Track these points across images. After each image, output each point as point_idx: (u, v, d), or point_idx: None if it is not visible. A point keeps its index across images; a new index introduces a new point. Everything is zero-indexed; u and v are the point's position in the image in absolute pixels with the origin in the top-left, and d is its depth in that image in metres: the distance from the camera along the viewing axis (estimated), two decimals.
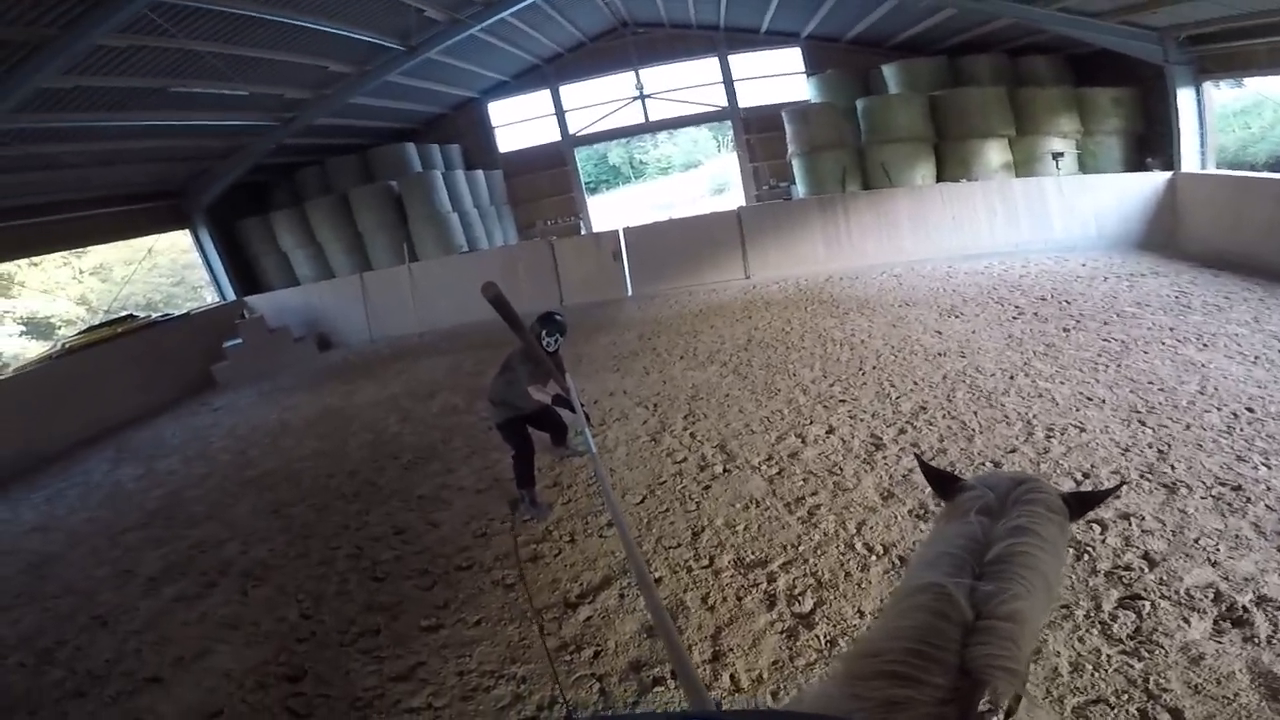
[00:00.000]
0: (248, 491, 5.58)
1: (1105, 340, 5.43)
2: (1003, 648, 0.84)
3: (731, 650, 2.81)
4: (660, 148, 30.38)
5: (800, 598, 3.06)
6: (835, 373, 5.76)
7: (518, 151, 14.49)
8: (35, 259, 13.86)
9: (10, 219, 8.34)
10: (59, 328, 15.58)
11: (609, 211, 20.21)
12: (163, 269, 17.39)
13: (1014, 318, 6.34)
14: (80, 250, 15.10)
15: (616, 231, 10.68)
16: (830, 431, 4.66)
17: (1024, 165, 10.08)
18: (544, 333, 4.14)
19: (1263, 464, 3.40)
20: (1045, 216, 8.99)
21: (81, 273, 17.15)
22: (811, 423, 4.86)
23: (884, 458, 4.17)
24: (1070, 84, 10.15)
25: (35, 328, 15.83)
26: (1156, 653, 2.37)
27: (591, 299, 10.34)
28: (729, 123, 14.63)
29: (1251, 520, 2.99)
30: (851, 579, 3.12)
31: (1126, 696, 2.22)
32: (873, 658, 0.91)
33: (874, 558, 3.24)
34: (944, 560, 0.95)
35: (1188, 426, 3.90)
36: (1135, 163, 9.43)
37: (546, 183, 14.54)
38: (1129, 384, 4.59)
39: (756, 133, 13.80)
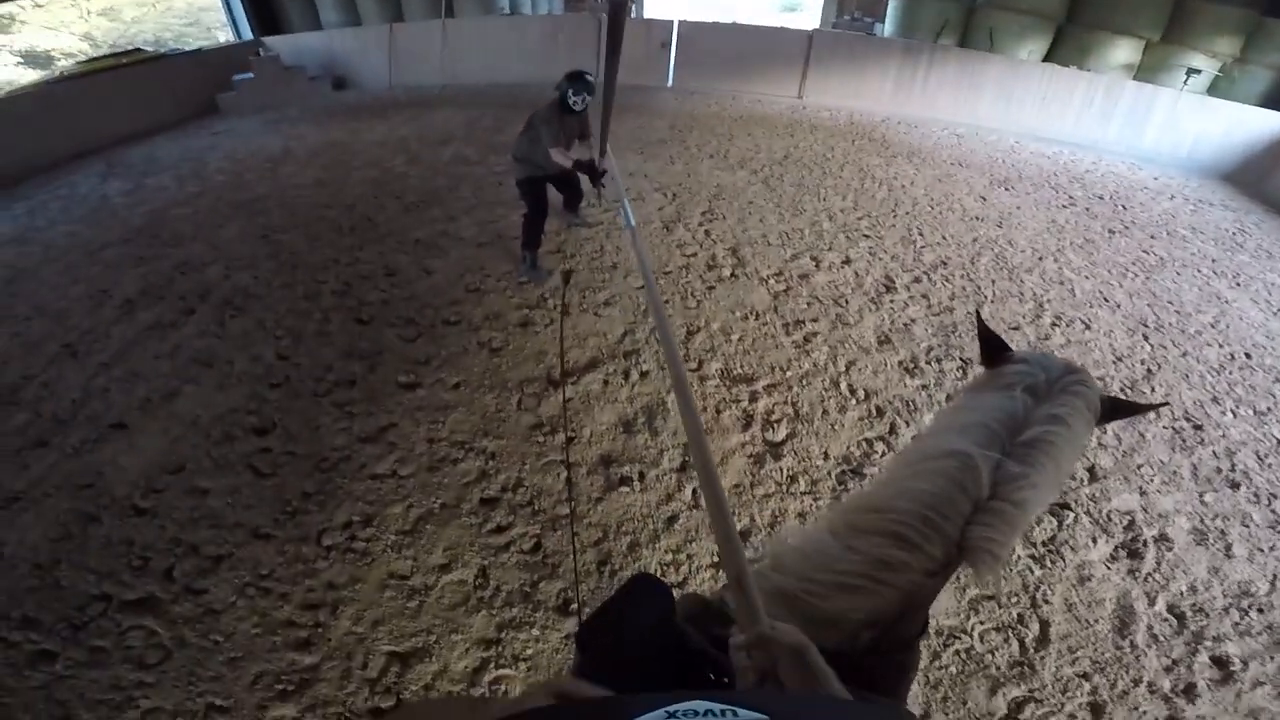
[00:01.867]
0: (239, 214, 5.35)
1: (1145, 252, 5.20)
2: (1002, 533, 0.82)
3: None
4: None
5: (776, 425, 3.09)
6: (866, 207, 5.51)
7: None
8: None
9: None
10: (59, 60, 14.29)
11: (665, 2, 17.99)
12: (177, 10, 15.87)
13: (1064, 206, 6.00)
14: None
15: (671, 22, 9.61)
16: (846, 262, 4.55)
17: (1149, 71, 8.85)
18: (570, 90, 3.81)
19: (1232, 410, 3.43)
20: (1142, 124, 8.13)
21: (89, 12, 15.47)
22: (830, 249, 4.73)
23: (891, 301, 4.12)
24: (1260, 9, 8.62)
25: (34, 59, 14.47)
26: (1057, 565, 2.48)
27: (630, 82, 9.52)
28: None
29: (1194, 461, 3.05)
30: (828, 418, 3.15)
31: (1015, 599, 2.34)
32: (879, 513, 0.88)
33: (854, 401, 3.27)
34: (977, 430, 0.89)
35: (1184, 354, 3.87)
36: (1275, 102, 8.39)
37: None
38: (1149, 297, 4.48)
39: None
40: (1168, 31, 8.80)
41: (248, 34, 10.65)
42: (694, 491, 2.70)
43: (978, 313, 1.25)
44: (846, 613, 0.84)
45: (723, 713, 0.33)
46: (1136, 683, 2.12)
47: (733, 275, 4.34)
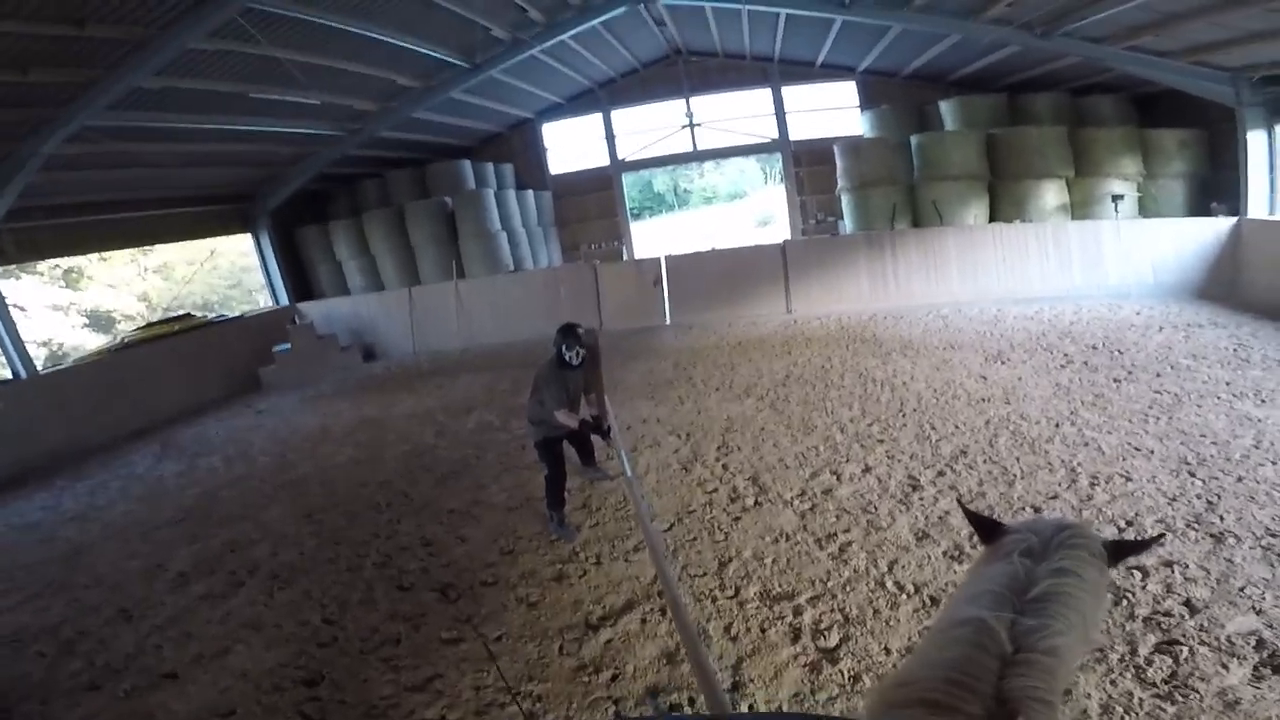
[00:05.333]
0: (283, 495, 5.72)
1: (1157, 392, 5.23)
2: (1040, 680, 0.84)
3: (752, 681, 2.79)
4: (706, 177, 30.42)
5: (826, 633, 3.02)
6: (874, 412, 5.67)
7: (567, 174, 14.72)
8: (105, 254, 14.57)
9: (89, 213, 8.81)
10: (119, 322, 16.31)
11: (651, 238, 20.34)
12: (222, 271, 18.31)
13: (1062, 366, 6.16)
14: (148, 248, 15.77)
15: (658, 259, 10.74)
16: (867, 470, 4.59)
17: (1081, 207, 9.80)
18: (563, 345, 4.12)
19: None
20: (1100, 261, 8.72)
21: (146, 270, 18.00)
22: (848, 461, 4.79)
23: (920, 499, 4.09)
24: (1134, 124, 9.89)
25: (97, 320, 16.59)
26: (1191, 697, 2.32)
27: (630, 325, 10.41)
28: (778, 155, 14.57)
29: None
30: (880, 616, 3.07)
31: None
32: (909, 686, 0.91)
33: (904, 596, 3.18)
34: (985, 597, 0.95)
35: (1239, 479, 3.76)
36: (1199, 207, 9.13)
37: (593, 206, 14.71)
38: (1180, 436, 4.42)
39: (806, 166, 13.71)
40: (1078, 165, 9.79)
41: (284, 298, 11.82)
42: (750, 707, 2.65)
43: (959, 501, 1.35)
44: None
45: None
46: None
47: (756, 503, 4.37)
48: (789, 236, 12.87)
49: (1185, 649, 2.54)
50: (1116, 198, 9.04)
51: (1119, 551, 1.11)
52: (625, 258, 14.01)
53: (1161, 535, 1.17)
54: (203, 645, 3.52)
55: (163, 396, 8.93)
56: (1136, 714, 2.29)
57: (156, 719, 2.94)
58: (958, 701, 0.84)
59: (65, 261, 15.15)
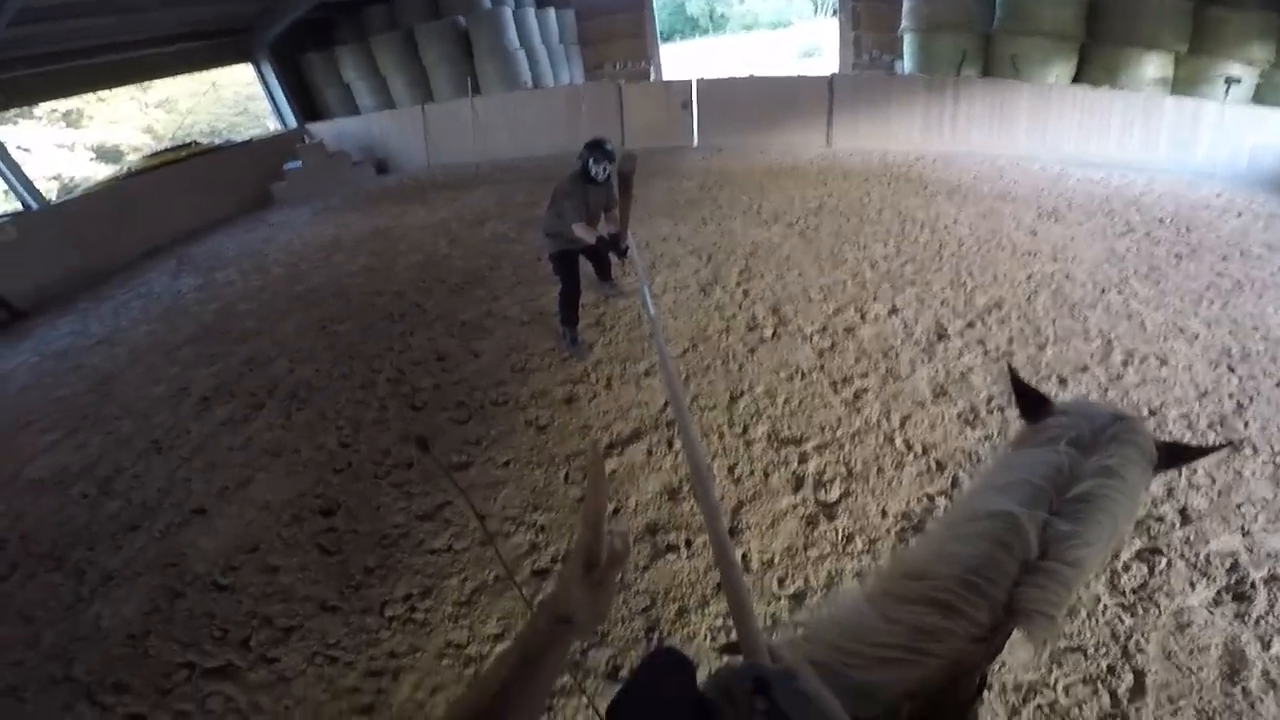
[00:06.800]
0: (297, 306, 5.70)
1: (1219, 275, 4.84)
2: (1056, 594, 0.78)
3: (749, 528, 2.79)
4: (747, 2, 27.60)
5: (828, 485, 2.99)
6: (910, 252, 5.35)
7: None
8: (103, 94, 14.00)
9: (81, 58, 8.29)
10: (126, 154, 15.82)
11: (682, 62, 18.55)
12: (226, 101, 17.72)
13: (1122, 233, 5.70)
14: (146, 85, 15.20)
15: (689, 81, 9.83)
16: (893, 312, 4.39)
17: (1185, 85, 8.49)
18: (591, 160, 3.86)
19: None
20: (1192, 141, 7.76)
21: (147, 106, 17.44)
22: (875, 299, 4.58)
23: (945, 350, 3.93)
24: (1276, 10, 8.35)
25: (104, 154, 16.21)
26: (1150, 612, 2.28)
27: (655, 144, 9.73)
28: None
29: None
30: (884, 475, 3.02)
31: (1104, 650, 2.16)
32: (918, 580, 0.84)
33: (911, 456, 3.12)
34: (1021, 489, 0.84)
35: (1278, 384, 3.52)
36: None
37: (619, 26, 13.27)
38: (1229, 325, 4.13)
39: (866, 0, 12.02)
40: (1195, 43, 8.50)
41: (292, 122, 11.41)
42: (743, 555, 2.65)
43: (1009, 366, 1.14)
44: (885, 685, 0.78)
45: None
46: None
47: (775, 335, 4.23)
48: (836, 71, 11.59)
49: (1164, 560, 2.47)
50: (1231, 80, 7.83)
51: (1172, 456, 0.95)
52: (652, 78, 12.81)
53: (1225, 446, 1.03)
54: (227, 476, 3.61)
55: (175, 217, 8.94)
56: (1097, 620, 2.26)
57: (188, 558, 3.05)
58: (968, 607, 0.78)
59: (63, 105, 14.90)
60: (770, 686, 0.60)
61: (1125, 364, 3.74)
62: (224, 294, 6.31)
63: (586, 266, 4.49)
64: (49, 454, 4.10)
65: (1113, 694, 2.03)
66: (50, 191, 8.45)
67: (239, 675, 2.44)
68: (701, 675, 0.84)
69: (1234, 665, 2.08)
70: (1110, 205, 6.44)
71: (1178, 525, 2.62)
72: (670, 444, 3.33)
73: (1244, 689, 2.01)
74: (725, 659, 0.77)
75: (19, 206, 7.95)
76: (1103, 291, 4.58)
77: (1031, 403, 1.01)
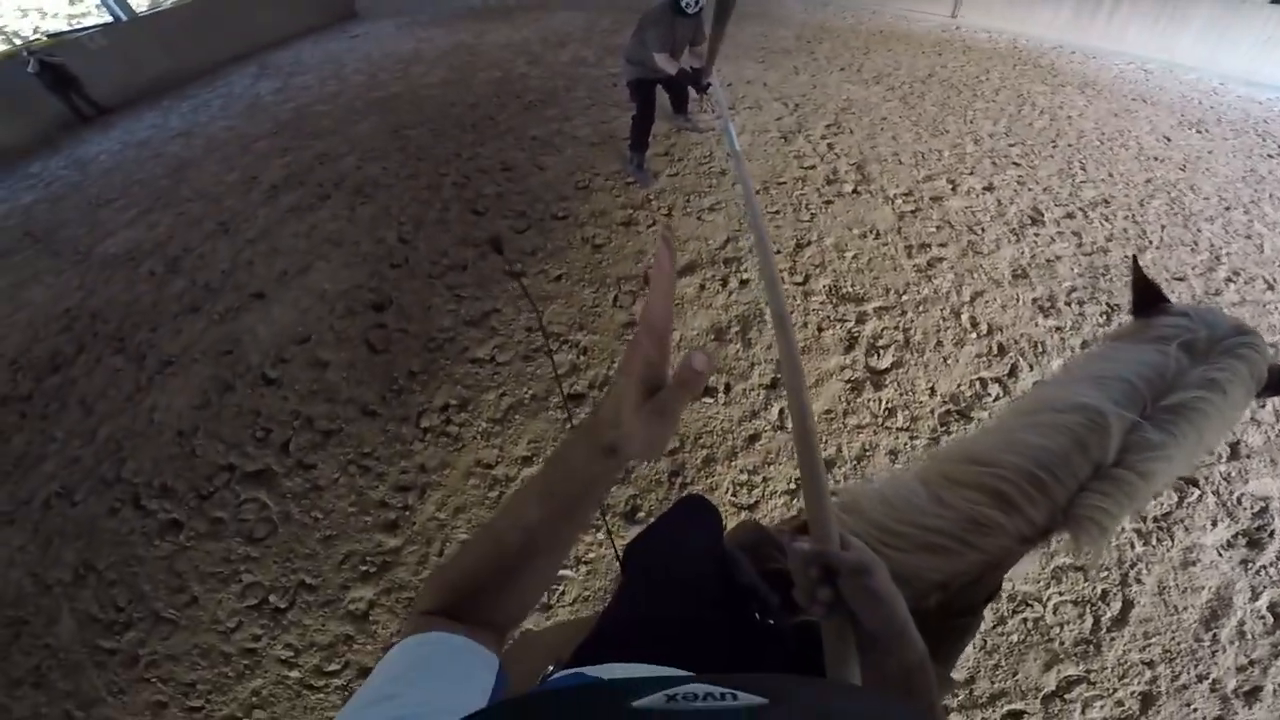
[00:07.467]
0: (373, 111, 5.71)
1: None
2: (1119, 504, 0.72)
3: None
4: None
5: (881, 351, 2.85)
6: (1021, 134, 4.88)
7: None
8: None
9: None
10: None
11: None
12: None
13: (1270, 155, 5.03)
14: None
15: None
16: (989, 189, 4.07)
17: None
18: None
19: None
20: None
21: None
22: (971, 174, 4.24)
23: (1036, 235, 3.65)
24: None
25: None
26: (1163, 544, 2.19)
27: None
28: None
29: None
30: (941, 349, 2.86)
31: (1105, 574, 2.10)
32: (982, 466, 0.77)
33: (975, 335, 2.94)
34: (1116, 385, 0.76)
35: None
36: None
37: None
38: None
39: None
40: None
41: None
42: (781, 411, 2.56)
43: (1134, 257, 1.00)
44: (923, 572, 0.74)
45: (723, 695, 0.30)
46: (1201, 679, 1.86)
47: (855, 191, 4.00)
48: None
49: (1197, 493, 2.33)
50: None
51: (1276, 383, 0.82)
52: None
53: None
54: (288, 261, 3.65)
55: (259, 27, 9.11)
56: (1115, 540, 2.17)
57: (244, 344, 3.09)
58: (1027, 504, 0.73)
59: None
60: (839, 577, 0.54)
61: (1228, 281, 3.42)
62: (301, 97, 6.39)
63: (663, 96, 4.28)
64: (125, 230, 4.29)
65: (1096, 619, 1.99)
66: (140, 5, 8.77)
67: (275, 481, 2.45)
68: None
69: (1216, 611, 2.02)
70: (1267, 127, 5.65)
71: (1225, 459, 2.47)
72: (724, 282, 3.23)
73: (1214, 635, 1.96)
74: (788, 538, 0.69)
75: (109, 19, 8.22)
76: (1227, 208, 4.12)
77: (1148, 297, 0.91)
